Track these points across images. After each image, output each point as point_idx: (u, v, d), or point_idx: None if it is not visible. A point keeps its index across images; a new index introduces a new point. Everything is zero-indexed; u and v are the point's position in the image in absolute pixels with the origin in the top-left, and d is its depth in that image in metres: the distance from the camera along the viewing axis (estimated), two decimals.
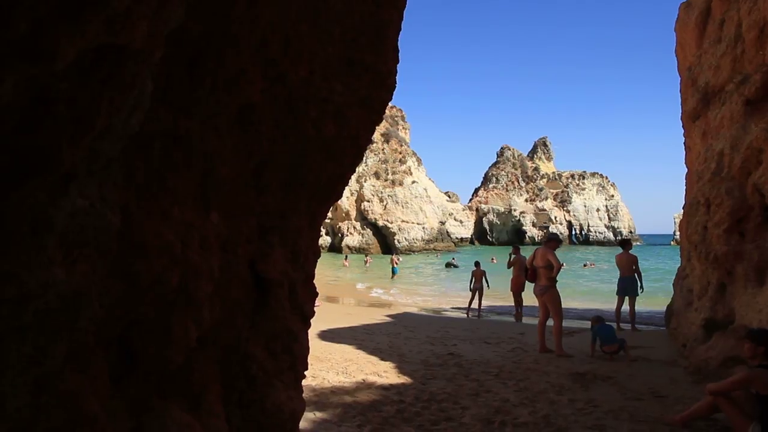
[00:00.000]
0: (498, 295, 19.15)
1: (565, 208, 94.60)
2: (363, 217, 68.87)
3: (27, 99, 1.13)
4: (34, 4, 1.00)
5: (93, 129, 1.32)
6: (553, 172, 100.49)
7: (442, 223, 75.18)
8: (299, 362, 3.45)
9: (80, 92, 1.24)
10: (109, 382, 2.14)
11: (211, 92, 2.42)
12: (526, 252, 14.96)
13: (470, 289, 16.17)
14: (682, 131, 11.62)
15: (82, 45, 1.14)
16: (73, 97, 1.23)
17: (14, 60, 1.03)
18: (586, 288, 25.54)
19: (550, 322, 9.22)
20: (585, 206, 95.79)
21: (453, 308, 17.93)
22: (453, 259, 44.91)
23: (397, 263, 34.04)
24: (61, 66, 1.12)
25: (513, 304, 15.32)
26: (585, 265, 41.73)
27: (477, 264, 16.49)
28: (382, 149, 72.25)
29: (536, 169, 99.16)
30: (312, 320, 3.70)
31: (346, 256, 47.98)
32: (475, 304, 15.82)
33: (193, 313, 2.44)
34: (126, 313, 2.18)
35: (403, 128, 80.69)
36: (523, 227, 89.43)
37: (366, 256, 50.17)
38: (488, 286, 16.20)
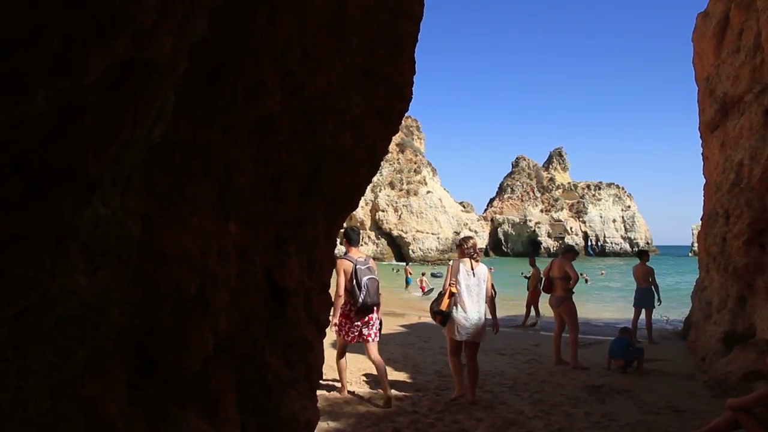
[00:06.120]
0: (510, 305, 18.96)
1: (581, 219, 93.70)
2: (377, 227, 68.87)
3: (56, 111, 1.17)
4: (67, 21, 1.03)
5: (118, 140, 1.35)
6: (569, 183, 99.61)
7: (457, 233, 74.79)
8: (314, 371, 3.46)
9: (107, 104, 1.28)
10: (126, 388, 2.16)
11: (231, 103, 2.46)
12: (542, 264, 14.80)
13: None
14: (700, 142, 11.49)
15: (110, 59, 1.17)
16: (100, 109, 1.26)
17: (47, 73, 1.07)
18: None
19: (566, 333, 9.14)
20: (601, 217, 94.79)
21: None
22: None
23: (410, 273, 33.93)
24: (90, 79, 1.15)
25: (531, 314, 15.04)
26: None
27: None
28: (397, 159, 72.32)
29: (552, 179, 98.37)
30: (326, 329, 3.71)
31: None
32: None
33: (210, 321, 2.46)
34: (145, 321, 2.20)
35: (418, 138, 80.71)
36: (539, 238, 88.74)
37: None
38: None
